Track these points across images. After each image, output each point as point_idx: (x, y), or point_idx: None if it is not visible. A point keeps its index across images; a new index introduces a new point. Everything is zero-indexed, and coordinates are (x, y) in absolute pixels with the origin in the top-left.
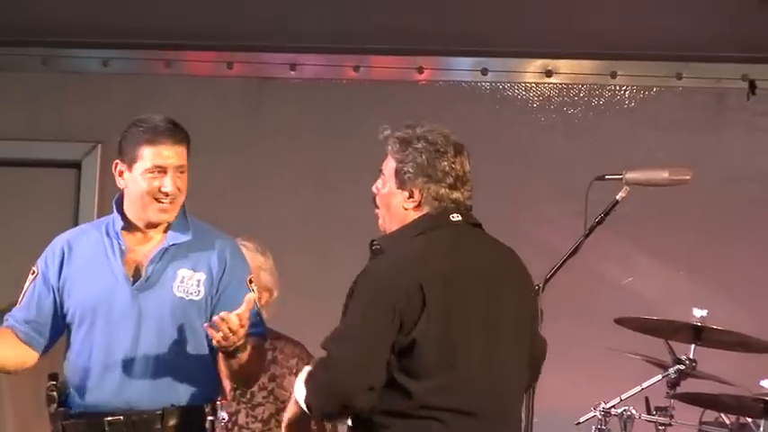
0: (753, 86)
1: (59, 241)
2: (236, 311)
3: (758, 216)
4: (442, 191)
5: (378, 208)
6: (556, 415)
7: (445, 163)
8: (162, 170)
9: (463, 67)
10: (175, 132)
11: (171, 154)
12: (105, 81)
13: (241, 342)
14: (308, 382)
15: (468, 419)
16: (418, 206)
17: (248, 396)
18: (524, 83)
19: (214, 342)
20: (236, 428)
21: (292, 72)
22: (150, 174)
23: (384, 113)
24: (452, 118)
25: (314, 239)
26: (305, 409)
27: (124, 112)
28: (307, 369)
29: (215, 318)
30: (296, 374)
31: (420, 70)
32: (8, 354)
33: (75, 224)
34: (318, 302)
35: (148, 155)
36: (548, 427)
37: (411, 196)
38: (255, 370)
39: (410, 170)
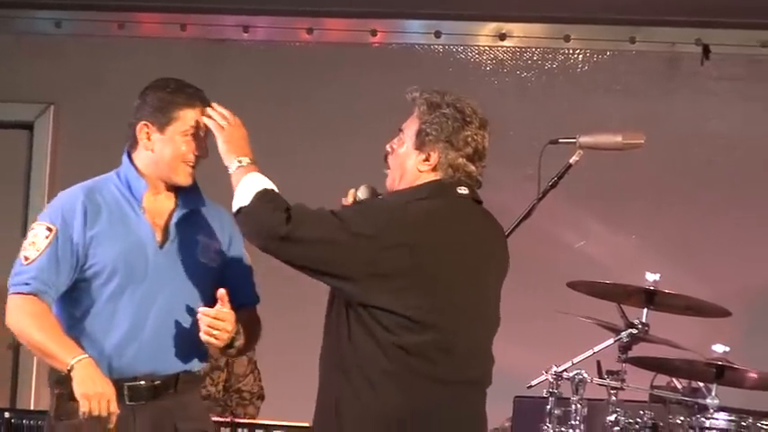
0: (706, 51)
1: (74, 198)
2: (215, 308)
3: (711, 180)
4: (460, 160)
5: (388, 167)
6: (508, 378)
7: (468, 133)
8: (197, 131)
9: (416, 30)
10: (204, 96)
11: (203, 117)
12: (58, 42)
13: (232, 335)
14: (269, 201)
15: (438, 386)
16: (433, 170)
17: None
18: (477, 46)
19: (203, 340)
20: None
21: (245, 34)
22: (186, 136)
23: (337, 76)
24: (405, 81)
25: None
26: (245, 193)
27: (77, 74)
28: (272, 193)
29: (198, 313)
30: None
31: (373, 33)
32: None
33: (28, 185)
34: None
35: (186, 117)
36: (500, 390)
37: (427, 159)
38: (249, 345)
39: (433, 133)
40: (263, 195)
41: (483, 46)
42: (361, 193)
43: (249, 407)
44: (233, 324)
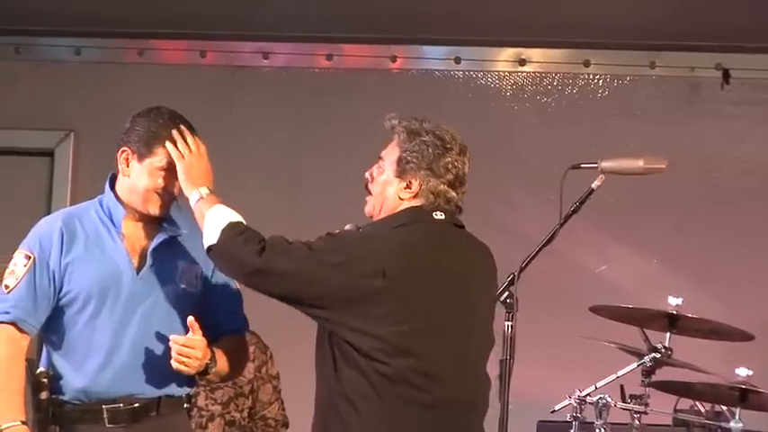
0: (726, 75)
1: (52, 225)
2: (186, 336)
3: (731, 204)
4: (441, 187)
5: (369, 193)
6: (531, 403)
7: (449, 160)
8: (173, 169)
9: (436, 56)
10: (190, 130)
11: (167, 144)
12: (78, 69)
13: (206, 362)
14: (239, 235)
15: (427, 411)
16: (414, 197)
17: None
18: (497, 71)
19: (174, 368)
20: (194, 410)
21: (265, 61)
22: (161, 172)
23: (357, 102)
24: (425, 106)
25: (284, 229)
26: (213, 229)
27: (97, 101)
28: (239, 225)
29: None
30: (253, 361)
31: (393, 59)
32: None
33: (49, 212)
34: None
35: (163, 154)
36: (523, 414)
37: (409, 187)
38: (234, 371)
39: (414, 161)
40: (231, 229)
41: (503, 71)
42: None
43: None
44: (204, 351)
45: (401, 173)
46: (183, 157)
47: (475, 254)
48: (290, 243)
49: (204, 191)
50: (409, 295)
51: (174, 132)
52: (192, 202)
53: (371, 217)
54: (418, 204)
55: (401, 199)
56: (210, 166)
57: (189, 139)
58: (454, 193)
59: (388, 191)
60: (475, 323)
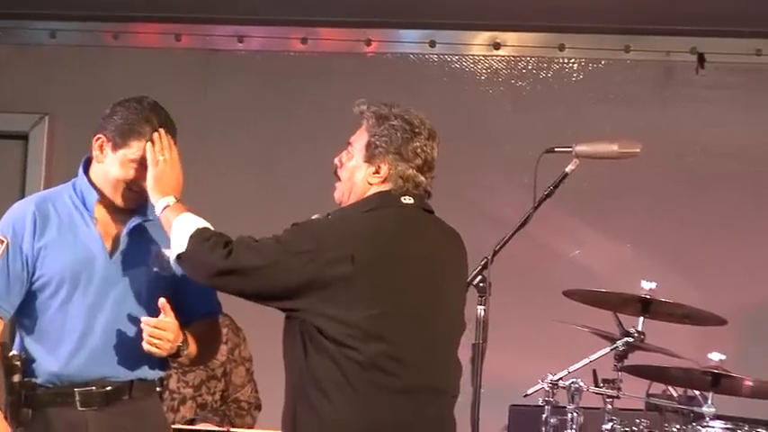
0: (701, 59)
1: (25, 209)
2: (159, 318)
3: (706, 189)
4: (410, 171)
5: (338, 179)
6: (503, 387)
7: (418, 144)
8: (146, 163)
9: (411, 40)
10: (168, 130)
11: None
12: (53, 53)
13: (176, 345)
14: (205, 240)
15: (399, 397)
16: (383, 182)
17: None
18: (472, 55)
19: (145, 349)
20: (166, 393)
21: (240, 44)
22: (134, 164)
23: (332, 85)
24: (400, 90)
25: (261, 213)
26: (180, 237)
27: (72, 84)
28: (206, 231)
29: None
30: (226, 343)
31: (368, 42)
32: None
33: (23, 196)
34: None
35: (137, 148)
36: (495, 398)
37: (377, 171)
38: (206, 355)
39: (382, 145)
40: (198, 235)
41: (477, 55)
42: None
43: (247, 417)
44: (175, 333)
45: (370, 158)
46: (156, 162)
47: (443, 238)
48: (257, 241)
49: (171, 200)
50: (378, 280)
51: (155, 135)
52: (158, 210)
53: (341, 203)
54: (387, 189)
55: (370, 184)
56: (182, 176)
57: (166, 144)
58: (423, 178)
59: (357, 176)
60: (444, 308)
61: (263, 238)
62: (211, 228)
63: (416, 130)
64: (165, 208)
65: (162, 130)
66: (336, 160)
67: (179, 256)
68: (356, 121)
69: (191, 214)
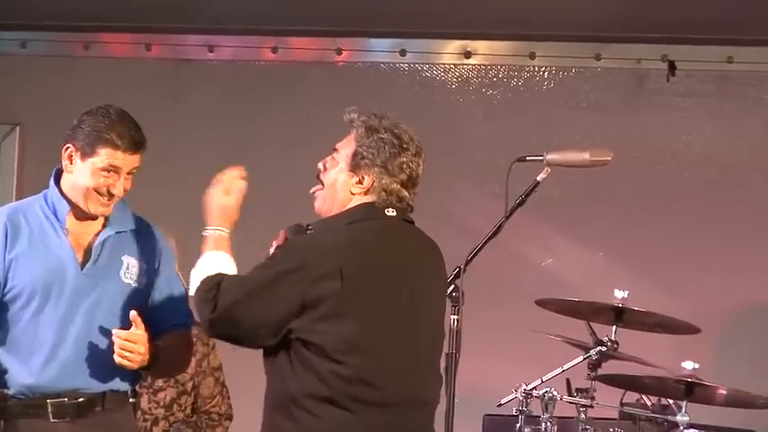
0: (672, 67)
1: None
2: (130, 330)
3: (677, 197)
4: (394, 185)
5: (320, 185)
6: (477, 396)
7: (404, 160)
8: (115, 171)
9: (382, 48)
10: (137, 139)
11: (129, 160)
12: (24, 63)
13: (147, 357)
14: (207, 291)
15: (381, 410)
16: (365, 193)
17: (149, 380)
18: (443, 64)
19: (117, 362)
20: (138, 413)
21: (210, 54)
22: (104, 172)
23: (303, 95)
24: (371, 99)
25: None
26: (196, 278)
27: (43, 94)
28: (213, 280)
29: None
30: (194, 355)
31: (338, 51)
32: None
33: None
34: None
35: (106, 155)
36: (469, 408)
37: (360, 182)
38: (178, 367)
39: (369, 157)
40: (205, 284)
41: (448, 64)
42: (291, 233)
43: (218, 428)
44: (146, 346)
45: (355, 167)
46: (230, 193)
47: (424, 248)
48: (242, 275)
49: (215, 232)
50: (364, 292)
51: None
52: (207, 232)
53: (320, 213)
54: (370, 201)
55: (352, 194)
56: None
57: (235, 175)
58: (406, 193)
59: (340, 184)
60: (425, 318)
61: (252, 272)
62: (227, 273)
63: (404, 146)
64: (214, 233)
65: (236, 169)
66: (320, 164)
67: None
68: (327, 130)
69: (219, 255)
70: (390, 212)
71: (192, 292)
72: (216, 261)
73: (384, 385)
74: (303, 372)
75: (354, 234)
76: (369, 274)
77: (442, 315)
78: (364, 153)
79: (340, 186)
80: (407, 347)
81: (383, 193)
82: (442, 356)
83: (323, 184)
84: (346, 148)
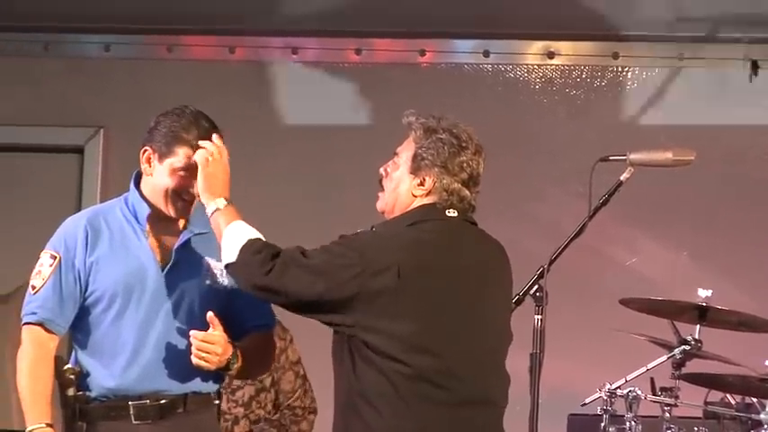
0: (755, 66)
1: (77, 224)
2: (207, 331)
3: (761, 196)
4: (455, 185)
5: (382, 189)
6: (561, 396)
7: (464, 159)
8: (194, 169)
9: (465, 50)
10: (215, 134)
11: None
12: (107, 66)
13: (225, 358)
14: (256, 253)
15: (446, 408)
16: (427, 194)
17: (226, 380)
18: (526, 65)
19: (194, 363)
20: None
21: (294, 56)
22: (182, 172)
23: (386, 96)
24: (454, 100)
25: (316, 225)
26: (231, 247)
27: (126, 97)
28: (256, 243)
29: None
30: None
31: (422, 53)
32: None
33: (79, 209)
34: None
35: (183, 154)
36: (553, 408)
37: (422, 183)
38: (259, 368)
39: (429, 158)
40: (248, 248)
41: (532, 64)
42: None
43: (302, 422)
44: (223, 347)
45: (415, 169)
46: (207, 162)
47: (487, 249)
48: (304, 253)
49: (222, 202)
50: (423, 292)
51: (202, 139)
52: (209, 212)
53: (383, 212)
54: (431, 202)
55: (414, 196)
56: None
57: (216, 145)
58: (468, 192)
59: (402, 187)
60: (489, 319)
61: (311, 251)
62: (261, 238)
63: (463, 145)
64: (215, 211)
65: (212, 133)
66: (382, 170)
67: (228, 266)
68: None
69: (242, 222)
70: (451, 213)
71: (226, 260)
72: (245, 229)
73: (449, 385)
74: (366, 369)
75: (414, 234)
76: (427, 275)
77: (508, 316)
78: (424, 154)
79: (402, 189)
80: (472, 348)
81: (444, 193)
82: (517, 356)
83: (384, 189)
84: (406, 151)
